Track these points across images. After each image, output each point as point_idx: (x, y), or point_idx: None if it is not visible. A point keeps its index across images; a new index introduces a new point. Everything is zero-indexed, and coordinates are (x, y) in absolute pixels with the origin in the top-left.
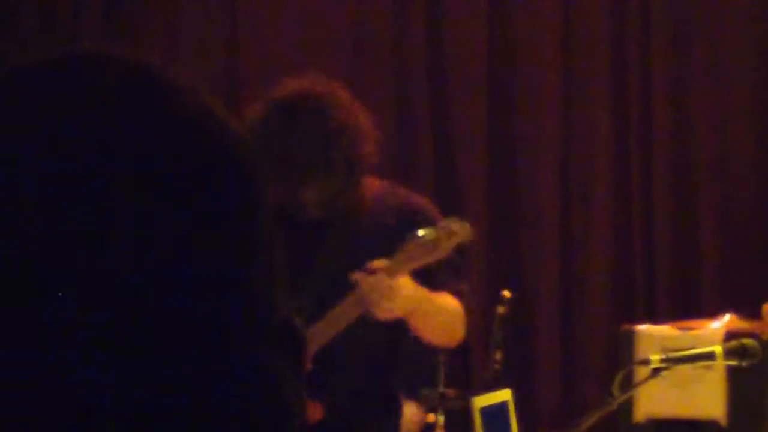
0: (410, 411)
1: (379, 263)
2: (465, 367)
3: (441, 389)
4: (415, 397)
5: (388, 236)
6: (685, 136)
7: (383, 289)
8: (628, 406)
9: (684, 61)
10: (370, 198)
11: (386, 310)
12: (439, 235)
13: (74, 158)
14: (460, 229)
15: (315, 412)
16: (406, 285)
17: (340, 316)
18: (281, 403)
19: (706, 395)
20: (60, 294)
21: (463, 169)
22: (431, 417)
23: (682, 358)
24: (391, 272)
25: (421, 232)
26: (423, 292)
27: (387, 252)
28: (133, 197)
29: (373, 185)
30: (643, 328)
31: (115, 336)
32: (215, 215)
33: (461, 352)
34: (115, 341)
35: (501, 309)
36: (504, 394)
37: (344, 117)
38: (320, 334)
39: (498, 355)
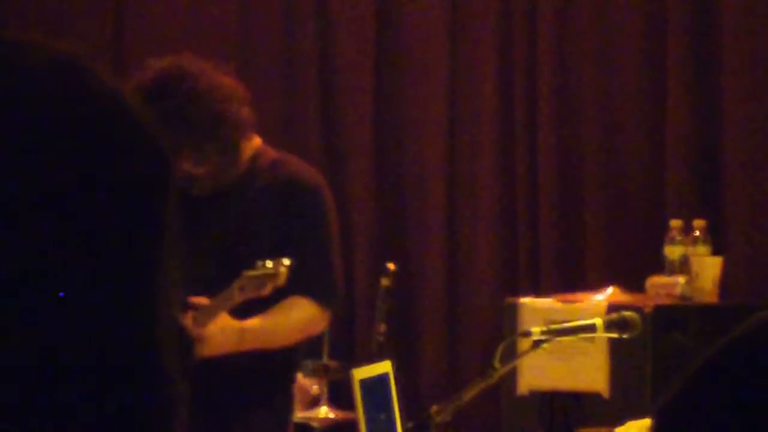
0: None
1: (200, 301)
2: (349, 339)
3: (324, 361)
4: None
5: (272, 212)
6: (571, 111)
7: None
8: (511, 379)
9: (569, 32)
10: (262, 167)
11: (198, 353)
12: (262, 278)
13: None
14: (281, 273)
15: None
16: (220, 331)
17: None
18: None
19: (589, 368)
20: None
21: (349, 142)
22: (315, 388)
23: (563, 331)
24: (209, 313)
25: (247, 273)
26: (242, 331)
27: (269, 226)
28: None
29: (267, 154)
30: (526, 300)
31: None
32: (132, 188)
33: (346, 323)
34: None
35: (385, 281)
36: (384, 366)
37: (206, 95)
38: (207, 313)
39: (382, 328)
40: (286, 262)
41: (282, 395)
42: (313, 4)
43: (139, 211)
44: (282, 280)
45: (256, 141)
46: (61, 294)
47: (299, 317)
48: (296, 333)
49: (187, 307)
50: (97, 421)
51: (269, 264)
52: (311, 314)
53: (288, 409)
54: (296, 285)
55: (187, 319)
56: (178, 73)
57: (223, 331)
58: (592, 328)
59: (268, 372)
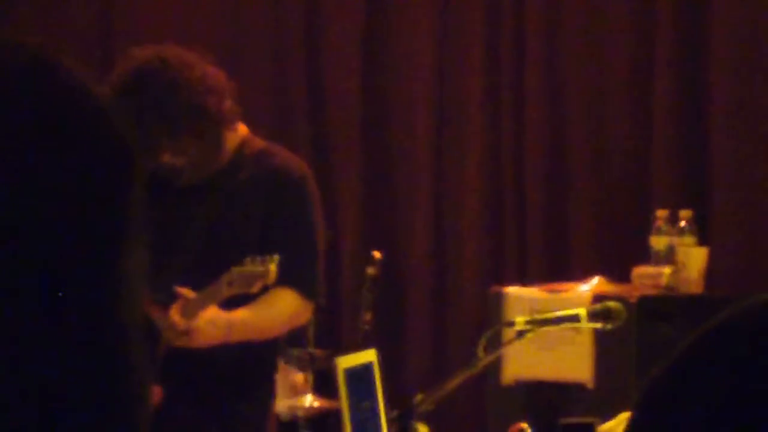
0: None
1: (187, 293)
2: (335, 328)
3: (310, 349)
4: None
5: (257, 202)
6: (558, 103)
7: (179, 330)
8: (496, 369)
9: (557, 28)
10: (248, 157)
11: (186, 345)
12: (251, 276)
13: None
14: (271, 271)
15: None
16: (209, 322)
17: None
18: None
19: (574, 358)
20: None
21: (336, 132)
22: (300, 377)
23: (547, 321)
24: (197, 306)
25: (236, 269)
26: (231, 323)
27: (254, 216)
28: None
29: (254, 144)
30: (512, 290)
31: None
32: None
33: (331, 312)
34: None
35: (371, 270)
36: (369, 355)
37: (186, 86)
38: (195, 305)
39: (368, 316)
40: (275, 259)
41: (263, 385)
42: (302, 1)
43: (102, 204)
44: (272, 278)
45: (243, 131)
46: (59, 294)
47: (285, 309)
48: (282, 325)
49: (173, 296)
50: (60, 406)
51: (259, 261)
52: (296, 306)
53: (269, 399)
54: (280, 276)
55: (175, 311)
56: (158, 65)
57: (212, 323)
58: (576, 319)
59: (250, 362)
